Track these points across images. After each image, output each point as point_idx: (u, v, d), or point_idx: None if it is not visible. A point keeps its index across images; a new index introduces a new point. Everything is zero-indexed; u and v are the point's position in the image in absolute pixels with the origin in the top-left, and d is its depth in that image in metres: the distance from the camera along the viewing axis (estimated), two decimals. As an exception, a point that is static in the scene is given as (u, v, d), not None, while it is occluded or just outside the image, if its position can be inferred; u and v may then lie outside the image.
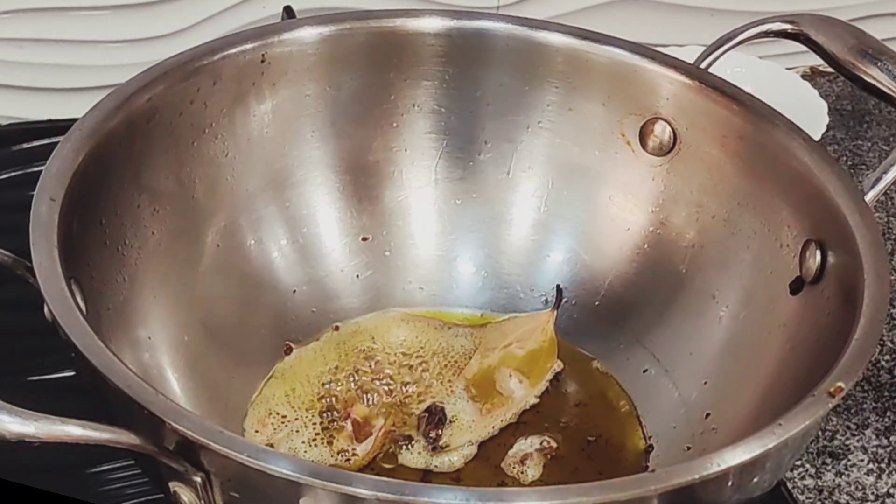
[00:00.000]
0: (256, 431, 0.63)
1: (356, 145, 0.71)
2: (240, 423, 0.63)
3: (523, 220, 0.73)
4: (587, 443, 0.64)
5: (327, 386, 0.65)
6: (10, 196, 0.80)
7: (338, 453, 0.62)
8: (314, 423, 0.63)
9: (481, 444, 0.63)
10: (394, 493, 0.43)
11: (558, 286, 0.71)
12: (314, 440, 0.62)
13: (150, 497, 0.61)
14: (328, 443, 0.62)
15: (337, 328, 0.69)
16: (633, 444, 0.64)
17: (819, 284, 0.60)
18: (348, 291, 0.71)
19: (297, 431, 0.63)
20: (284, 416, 0.64)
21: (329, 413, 0.64)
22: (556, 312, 0.70)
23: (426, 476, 0.61)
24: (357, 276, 0.71)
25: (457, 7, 0.92)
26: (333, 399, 0.65)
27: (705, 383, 0.65)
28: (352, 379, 0.66)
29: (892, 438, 0.69)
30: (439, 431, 0.63)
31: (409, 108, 0.71)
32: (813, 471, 0.67)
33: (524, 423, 0.65)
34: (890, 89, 0.63)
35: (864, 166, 0.92)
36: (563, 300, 0.71)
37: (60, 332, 0.49)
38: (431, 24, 0.70)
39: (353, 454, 0.62)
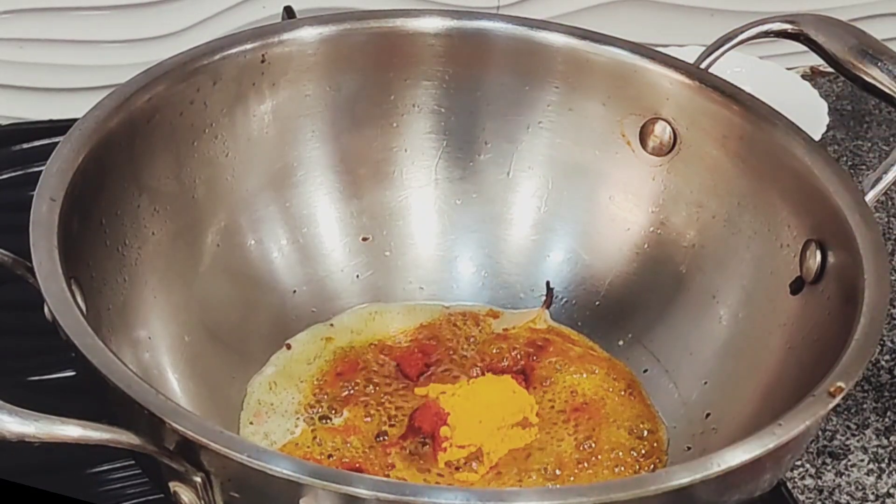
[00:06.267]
0: (251, 423, 0.63)
1: (356, 145, 0.71)
2: (238, 420, 0.64)
3: (523, 220, 0.73)
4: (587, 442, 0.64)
5: (317, 381, 0.65)
6: (10, 196, 0.80)
7: (330, 450, 0.62)
8: (300, 417, 0.63)
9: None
10: (394, 493, 0.43)
11: (548, 283, 0.71)
12: (301, 434, 0.62)
13: (150, 497, 0.61)
14: (317, 438, 0.62)
15: (332, 326, 0.69)
16: (633, 443, 0.64)
17: (819, 284, 0.60)
18: (348, 291, 0.71)
19: (287, 423, 0.63)
20: (272, 405, 0.64)
21: (317, 407, 0.64)
22: (545, 310, 0.70)
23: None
24: (357, 276, 0.71)
25: (457, 7, 0.92)
26: (323, 394, 0.65)
27: (705, 383, 0.65)
28: (342, 372, 0.66)
29: (892, 438, 0.69)
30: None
31: (409, 108, 0.71)
32: (813, 471, 0.67)
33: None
34: (890, 89, 0.63)
35: (864, 166, 0.92)
36: (563, 300, 0.71)
37: (60, 332, 0.49)
38: (431, 24, 0.70)
39: (344, 448, 0.62)
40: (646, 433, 0.63)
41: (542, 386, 0.65)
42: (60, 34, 0.88)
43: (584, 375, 0.66)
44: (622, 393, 0.65)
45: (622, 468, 0.61)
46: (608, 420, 0.63)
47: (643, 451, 0.62)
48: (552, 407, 0.64)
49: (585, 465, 0.61)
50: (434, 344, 0.68)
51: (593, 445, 0.62)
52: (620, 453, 0.62)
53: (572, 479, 0.60)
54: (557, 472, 0.60)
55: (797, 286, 0.61)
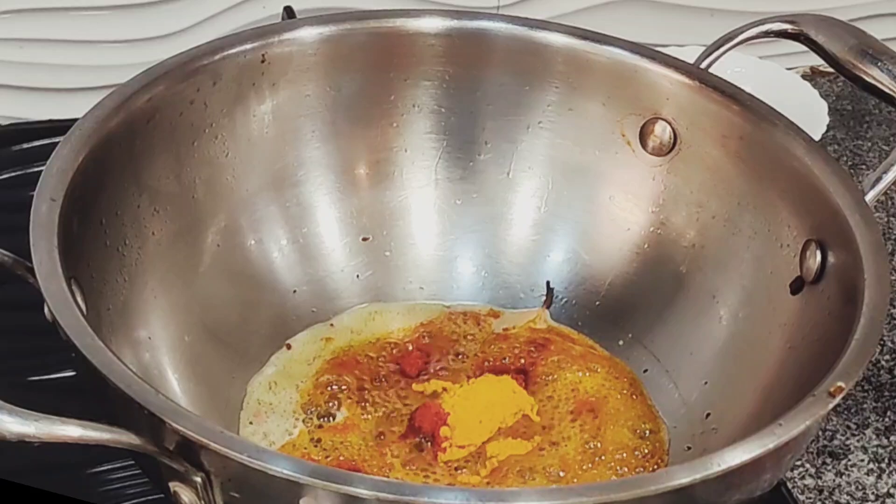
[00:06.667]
0: (250, 423, 0.63)
1: (356, 145, 0.71)
2: (238, 420, 0.64)
3: (523, 220, 0.73)
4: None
5: (316, 381, 0.65)
6: (10, 196, 0.80)
7: (329, 450, 0.62)
8: (300, 417, 0.63)
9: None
10: (394, 493, 0.43)
11: (548, 283, 0.71)
12: (300, 435, 0.62)
13: (150, 497, 0.61)
14: (315, 438, 0.62)
15: (332, 325, 0.69)
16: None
17: (819, 284, 0.60)
18: (348, 291, 0.71)
19: (286, 423, 0.63)
20: (272, 405, 0.64)
21: (317, 407, 0.64)
22: (545, 310, 0.70)
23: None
24: (357, 276, 0.71)
25: (457, 7, 0.92)
26: (322, 394, 0.65)
27: (705, 383, 0.65)
28: (342, 373, 0.66)
29: (892, 438, 0.69)
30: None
31: (409, 108, 0.71)
32: (813, 471, 0.67)
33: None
34: (890, 89, 0.63)
35: (864, 166, 0.92)
36: (563, 300, 0.71)
37: (60, 332, 0.49)
38: (431, 24, 0.70)
39: (342, 449, 0.61)
40: (648, 433, 0.63)
41: (544, 384, 0.65)
42: (60, 34, 0.88)
43: (587, 374, 0.66)
44: (624, 392, 0.65)
45: (626, 469, 0.61)
46: (612, 420, 0.63)
47: (646, 452, 0.62)
48: (555, 407, 0.64)
49: (590, 465, 0.61)
50: (434, 343, 0.68)
51: (598, 446, 0.62)
52: (625, 454, 0.62)
53: (576, 480, 0.60)
54: (561, 473, 0.60)
55: (797, 286, 0.61)
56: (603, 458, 0.61)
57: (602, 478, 0.60)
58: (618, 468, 0.61)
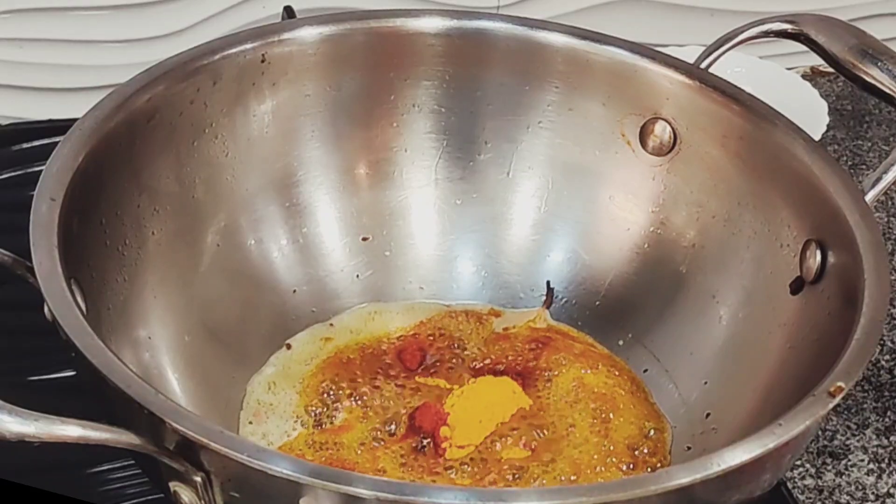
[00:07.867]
0: (250, 423, 0.63)
1: (356, 145, 0.71)
2: (238, 420, 0.64)
3: (523, 220, 0.73)
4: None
5: (316, 381, 0.65)
6: (10, 196, 0.80)
7: (324, 451, 0.62)
8: (299, 418, 0.63)
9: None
10: (394, 493, 0.43)
11: (548, 283, 0.71)
12: (298, 435, 0.62)
13: (150, 497, 0.61)
14: (312, 439, 0.62)
15: (332, 325, 0.69)
16: (633, 443, 0.64)
17: (819, 284, 0.60)
18: (348, 291, 0.71)
19: (285, 424, 0.63)
20: (271, 405, 0.64)
21: (316, 407, 0.64)
22: (545, 310, 0.70)
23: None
24: (357, 276, 0.71)
25: (457, 7, 0.93)
26: (322, 394, 0.65)
27: (705, 383, 0.65)
28: (342, 371, 0.66)
29: (892, 438, 0.69)
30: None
31: (409, 108, 0.71)
32: (813, 471, 0.67)
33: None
34: (890, 89, 0.63)
35: (864, 166, 0.92)
36: (563, 300, 0.71)
37: (60, 332, 0.49)
38: (431, 24, 0.70)
39: (335, 450, 0.61)
40: (652, 432, 0.63)
41: (547, 380, 0.65)
42: (60, 34, 0.88)
43: (588, 371, 0.66)
44: (627, 390, 0.65)
45: (633, 467, 0.61)
46: (621, 418, 0.63)
47: (650, 450, 0.62)
48: (570, 405, 0.64)
49: (603, 468, 0.60)
50: (435, 342, 0.68)
51: (611, 448, 0.61)
52: (636, 452, 0.61)
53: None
54: (573, 477, 0.60)
55: (797, 286, 0.61)
56: (613, 459, 0.61)
57: (613, 478, 0.60)
58: (623, 467, 0.61)
